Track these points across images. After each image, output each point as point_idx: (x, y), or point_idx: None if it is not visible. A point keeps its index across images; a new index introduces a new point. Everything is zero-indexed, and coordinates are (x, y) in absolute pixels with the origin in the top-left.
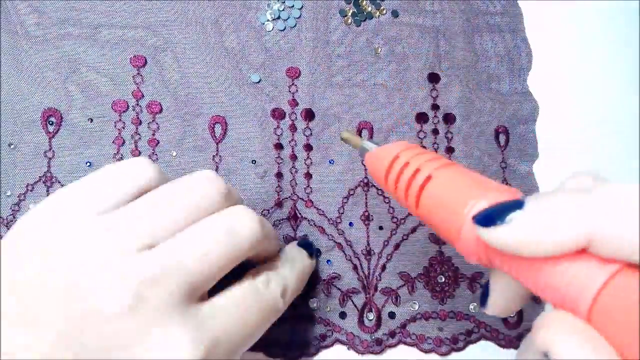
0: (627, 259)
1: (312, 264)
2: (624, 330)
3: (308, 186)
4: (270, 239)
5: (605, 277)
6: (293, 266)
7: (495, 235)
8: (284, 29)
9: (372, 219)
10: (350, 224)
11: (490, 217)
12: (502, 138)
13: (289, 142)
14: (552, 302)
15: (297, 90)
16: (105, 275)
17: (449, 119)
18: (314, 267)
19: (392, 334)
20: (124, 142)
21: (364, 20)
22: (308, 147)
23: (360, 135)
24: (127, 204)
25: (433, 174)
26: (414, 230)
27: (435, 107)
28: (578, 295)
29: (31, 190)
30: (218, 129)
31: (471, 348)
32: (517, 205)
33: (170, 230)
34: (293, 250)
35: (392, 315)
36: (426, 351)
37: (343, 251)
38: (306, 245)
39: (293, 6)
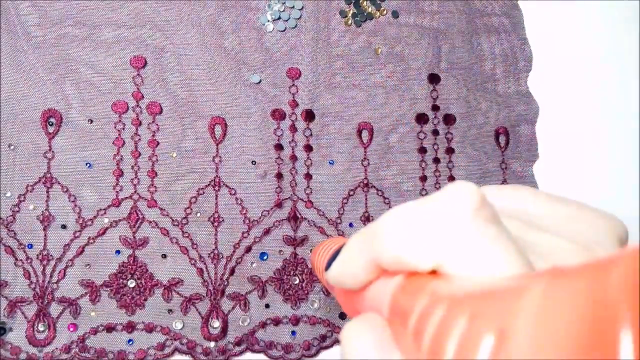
0: (402, 269)
1: None
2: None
3: (308, 187)
4: None
5: (394, 285)
6: None
7: (327, 276)
8: (284, 30)
9: (372, 220)
10: (351, 224)
11: (327, 265)
12: (502, 139)
13: (289, 142)
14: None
15: (297, 91)
16: None
17: (449, 119)
18: None
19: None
20: (124, 143)
21: (364, 21)
22: (308, 148)
23: (360, 135)
24: None
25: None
26: None
27: (435, 107)
28: (381, 303)
29: (31, 191)
30: (218, 130)
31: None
32: (336, 255)
33: None
34: None
35: None
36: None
37: None
38: None
39: (293, 7)
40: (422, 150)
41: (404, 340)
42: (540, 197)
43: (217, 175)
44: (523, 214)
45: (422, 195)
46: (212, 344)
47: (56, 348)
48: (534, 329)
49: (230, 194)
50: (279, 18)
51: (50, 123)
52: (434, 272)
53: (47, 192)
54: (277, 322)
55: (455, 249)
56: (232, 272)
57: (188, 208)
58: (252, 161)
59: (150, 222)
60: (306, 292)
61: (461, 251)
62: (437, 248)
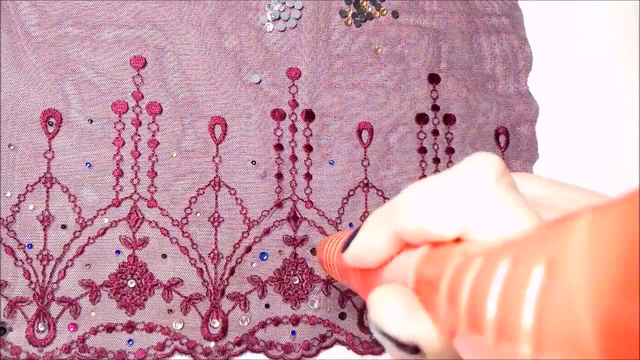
0: (426, 240)
1: None
2: (434, 292)
3: (308, 187)
4: None
5: (418, 255)
6: None
7: (344, 257)
8: (284, 30)
9: None
10: (351, 224)
11: (344, 246)
12: (502, 139)
13: (289, 142)
14: None
15: (297, 91)
16: None
17: (449, 119)
18: None
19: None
20: (124, 143)
21: (364, 21)
22: (308, 148)
23: (360, 135)
24: None
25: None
26: None
27: (435, 107)
28: (405, 276)
29: (31, 191)
30: (218, 130)
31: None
32: (354, 235)
33: None
34: None
35: None
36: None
37: None
38: None
39: (293, 7)
40: (422, 150)
41: (435, 306)
42: (543, 181)
43: (217, 175)
44: (529, 196)
45: None
46: (212, 344)
47: (56, 348)
48: (587, 255)
49: (230, 194)
50: (279, 18)
51: (50, 123)
52: (457, 241)
53: (47, 192)
54: (277, 322)
55: (480, 215)
56: (232, 272)
57: (188, 208)
58: (252, 161)
59: (150, 222)
60: (306, 292)
61: (486, 216)
62: (462, 215)
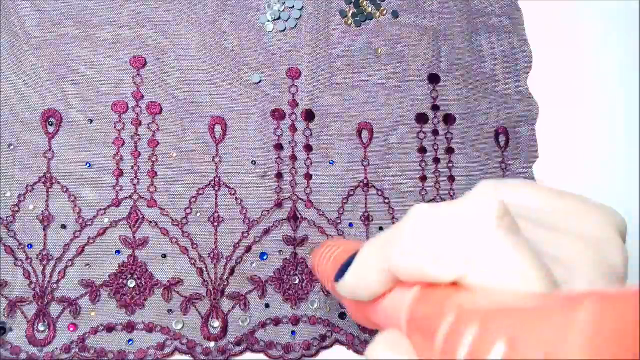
0: (421, 281)
1: None
2: (425, 332)
3: (308, 187)
4: None
5: (411, 296)
6: None
7: (337, 288)
8: (284, 30)
9: (372, 220)
10: (350, 224)
11: (338, 274)
12: (502, 139)
13: (289, 142)
14: (386, 327)
15: (297, 91)
16: None
17: (449, 119)
18: None
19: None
20: (123, 143)
21: (364, 21)
22: (308, 148)
23: (360, 135)
24: None
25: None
26: None
27: (435, 107)
28: (398, 316)
29: (31, 191)
30: (218, 130)
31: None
32: (349, 263)
33: None
34: None
35: None
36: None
37: None
38: None
39: (293, 7)
40: (422, 150)
41: (429, 356)
42: (542, 192)
43: (217, 175)
44: (527, 210)
45: (422, 195)
46: (212, 344)
47: (56, 348)
48: (586, 355)
49: (230, 194)
50: (279, 18)
51: (50, 123)
52: (453, 284)
53: (47, 192)
54: (277, 322)
55: (477, 261)
56: (232, 272)
57: (188, 208)
58: (252, 161)
59: (150, 222)
60: (306, 292)
61: (485, 262)
62: (460, 259)
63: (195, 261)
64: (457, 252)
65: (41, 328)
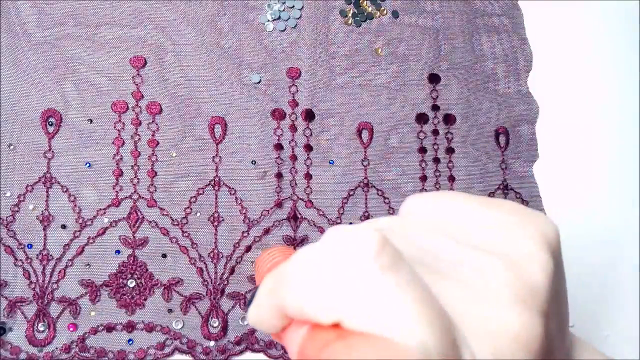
0: (307, 321)
1: None
2: None
3: (308, 187)
4: None
5: (302, 334)
6: None
7: (247, 320)
8: (285, 30)
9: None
10: (350, 224)
11: (247, 306)
12: (502, 139)
13: (289, 142)
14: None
15: (297, 91)
16: None
17: (449, 119)
18: None
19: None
20: (123, 142)
21: (365, 21)
22: (308, 148)
23: (360, 135)
24: None
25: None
26: None
27: (435, 107)
28: (294, 350)
29: (31, 191)
30: (218, 130)
31: None
32: (254, 295)
33: None
34: None
35: None
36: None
37: None
38: None
39: (293, 6)
40: (422, 150)
41: None
42: (468, 205)
43: (217, 175)
44: (449, 226)
45: None
46: (212, 343)
47: (56, 348)
48: None
49: (230, 193)
50: (279, 18)
51: (50, 123)
52: (336, 326)
53: (47, 192)
54: None
55: (353, 304)
56: (232, 271)
57: (188, 208)
58: (252, 161)
59: (150, 221)
60: None
61: (359, 306)
62: (336, 302)
63: (195, 261)
64: (332, 294)
65: (41, 328)
